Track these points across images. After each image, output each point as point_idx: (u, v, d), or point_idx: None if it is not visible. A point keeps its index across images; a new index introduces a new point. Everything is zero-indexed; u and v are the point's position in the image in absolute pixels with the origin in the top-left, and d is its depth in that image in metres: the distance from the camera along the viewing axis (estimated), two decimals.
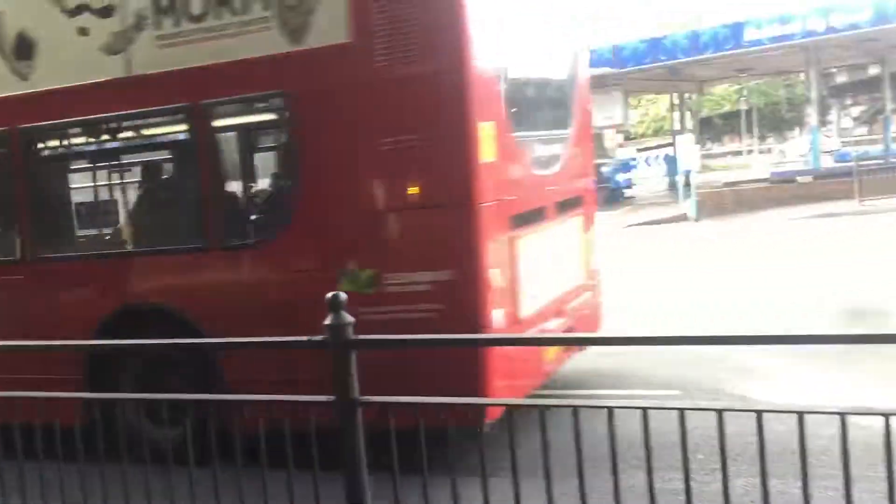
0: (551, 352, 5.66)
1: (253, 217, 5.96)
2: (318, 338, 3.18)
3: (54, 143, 6.52)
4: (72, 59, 5.91)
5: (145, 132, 6.34)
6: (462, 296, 4.94)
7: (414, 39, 4.94)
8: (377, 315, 4.69)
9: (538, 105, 6.48)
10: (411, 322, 4.84)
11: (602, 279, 7.04)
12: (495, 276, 5.01)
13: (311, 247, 5.36)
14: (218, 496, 3.40)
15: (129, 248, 6.37)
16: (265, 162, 6.25)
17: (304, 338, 3.30)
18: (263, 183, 6.30)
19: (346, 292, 3.18)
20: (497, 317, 4.98)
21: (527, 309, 5.36)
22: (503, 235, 5.20)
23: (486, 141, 4.97)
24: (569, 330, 5.91)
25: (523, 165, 5.72)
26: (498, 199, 5.11)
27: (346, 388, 3.16)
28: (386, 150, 5.07)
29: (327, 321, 3.13)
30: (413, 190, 5.01)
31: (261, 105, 5.85)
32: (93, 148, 6.37)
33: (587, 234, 6.81)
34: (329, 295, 3.13)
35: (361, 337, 3.19)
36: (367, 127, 5.12)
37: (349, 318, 3.12)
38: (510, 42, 5.66)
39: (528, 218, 5.59)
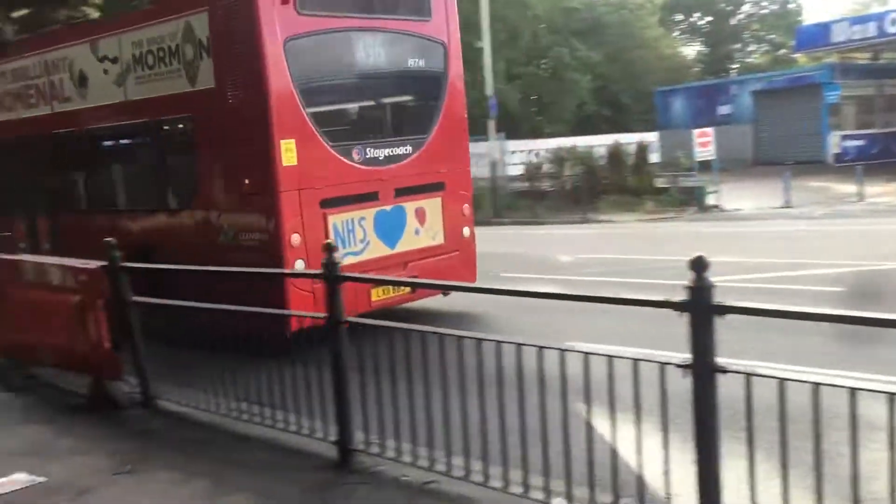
0: (381, 291, 8.61)
1: (179, 191, 9.29)
2: (679, 300, 3.36)
3: (98, 139, 10.47)
4: (101, 88, 9.85)
5: (133, 136, 9.99)
6: (273, 249, 7.97)
7: (241, 85, 8.22)
8: (236, 255, 8.06)
9: (364, 122, 9.27)
10: (251, 261, 7.72)
11: (476, 244, 9.79)
12: (294, 237, 7.97)
13: (204, 212, 8.78)
14: None
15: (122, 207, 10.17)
16: (187, 157, 9.19)
17: (664, 298, 3.48)
18: (185, 170, 9.28)
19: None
20: (298, 264, 7.92)
21: (345, 257, 7.71)
22: (312, 210, 8.09)
23: (287, 152, 7.94)
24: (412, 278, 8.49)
25: (336, 165, 8.36)
26: (299, 189, 7.99)
27: (706, 352, 3.29)
28: (235, 155, 8.37)
29: (689, 283, 3.32)
30: (247, 182, 8.29)
31: (182, 122, 9.16)
32: (109, 143, 10.54)
33: (450, 210, 9.44)
34: (693, 258, 3.33)
35: (724, 303, 3.31)
36: (226, 139, 8.41)
37: (710, 282, 3.31)
38: (325, 83, 8.68)
39: (345, 201, 8.40)
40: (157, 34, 8.87)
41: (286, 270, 7.91)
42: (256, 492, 4.70)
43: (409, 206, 9.06)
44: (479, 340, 4.35)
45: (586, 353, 3.90)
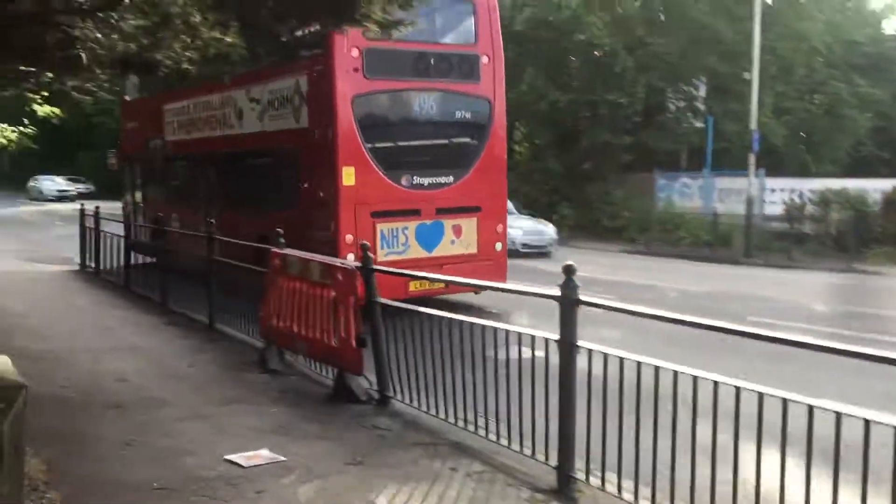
0: (417, 284, 10.44)
1: (290, 195, 11.99)
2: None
3: (246, 155, 13.58)
4: (250, 120, 13.23)
5: (265, 155, 12.99)
6: (334, 243, 10.77)
7: (321, 126, 11.26)
8: (318, 246, 9.98)
9: (414, 158, 11.92)
10: (324, 252, 9.16)
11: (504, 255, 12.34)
12: (348, 237, 10.82)
13: (302, 212, 11.53)
14: None
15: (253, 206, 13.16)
16: (294, 173, 12.02)
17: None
18: (293, 181, 12.03)
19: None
20: (349, 257, 9.91)
21: (382, 257, 10.56)
22: (364, 219, 10.97)
23: (347, 175, 10.89)
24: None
25: (387, 187, 11.21)
26: (355, 203, 10.92)
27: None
28: (318, 175, 11.41)
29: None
30: (321, 194, 11.31)
31: (292, 149, 11.99)
32: (252, 159, 13.52)
33: (484, 228, 12.00)
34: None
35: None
36: (314, 163, 11.52)
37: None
38: (383, 127, 11.79)
39: (393, 214, 11.27)
40: (281, 86, 12.11)
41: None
42: (469, 501, 4.78)
43: (448, 222, 11.81)
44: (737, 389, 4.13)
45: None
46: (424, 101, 11.68)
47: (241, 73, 12.02)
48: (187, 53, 8.31)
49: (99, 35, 6.91)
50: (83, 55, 6.61)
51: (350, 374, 7.03)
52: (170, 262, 12.19)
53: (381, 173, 11.22)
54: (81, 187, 48.99)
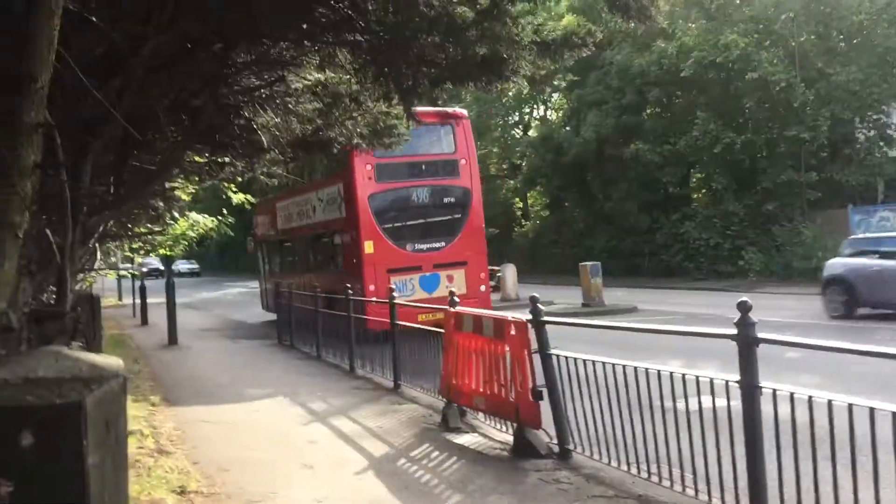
0: (423, 315, 12.45)
1: (336, 261, 18.07)
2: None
3: (317, 236, 19.36)
4: (318, 212, 18.74)
5: (324, 236, 18.87)
6: (362, 293, 15.23)
7: (349, 215, 16.69)
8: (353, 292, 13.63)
9: (414, 232, 16.75)
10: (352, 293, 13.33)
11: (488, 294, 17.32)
12: (371, 286, 15.63)
13: (344, 273, 17.17)
14: None
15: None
16: (338, 246, 18.46)
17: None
18: (338, 251, 18.18)
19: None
20: (372, 296, 14.90)
21: (399, 297, 11.95)
22: (382, 274, 15.74)
23: (368, 246, 16.06)
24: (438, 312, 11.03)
25: (396, 252, 16.15)
26: (374, 264, 15.96)
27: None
28: (350, 247, 16.98)
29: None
30: (354, 260, 16.54)
31: (336, 230, 18.00)
32: (318, 239, 19.44)
33: (470, 276, 16.67)
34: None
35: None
36: (347, 240, 17.14)
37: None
38: (391, 212, 16.60)
39: (402, 269, 16.05)
40: (330, 189, 17.70)
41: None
42: None
43: (442, 273, 16.50)
44: None
45: None
46: (420, 193, 16.90)
47: (316, 181, 18.55)
48: (358, 129, 8.83)
49: (277, 119, 7.48)
50: (263, 139, 7.17)
51: (529, 429, 7.00)
52: (287, 315, 16.71)
53: (391, 243, 16.36)
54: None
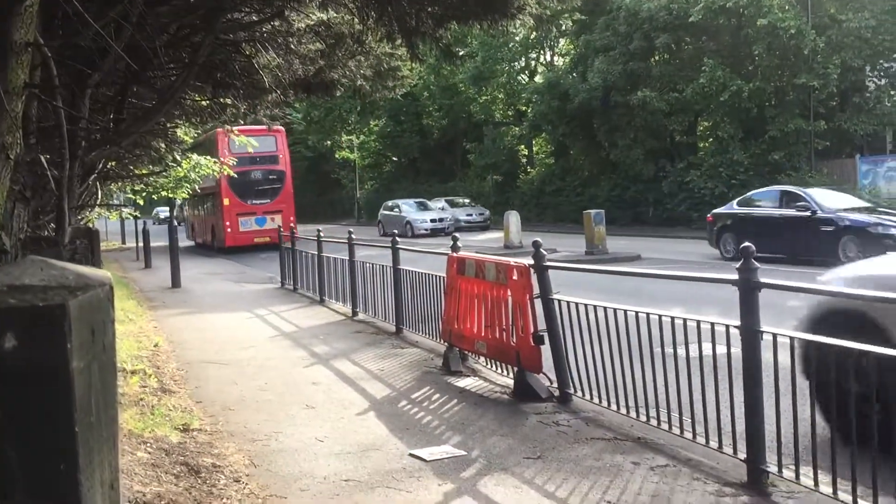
0: (258, 238, 28.99)
1: (215, 212, 31.76)
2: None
3: (208, 195, 31.66)
4: (207, 182, 23.85)
5: (210, 195, 31.13)
6: (220, 231, 30.30)
7: (218, 185, 28.61)
8: (218, 232, 30.61)
9: (253, 192, 29.35)
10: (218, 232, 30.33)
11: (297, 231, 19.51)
12: (228, 223, 29.27)
13: (217, 217, 31.54)
14: None
15: None
16: (216, 204, 31.34)
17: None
18: (216, 208, 31.91)
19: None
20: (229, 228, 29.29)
21: (240, 229, 29.20)
22: (234, 216, 29.17)
23: (226, 201, 29.11)
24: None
25: (242, 205, 29.14)
26: (232, 211, 29.17)
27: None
28: (218, 202, 29.89)
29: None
30: (220, 208, 29.70)
31: (215, 194, 30.91)
32: (210, 196, 32.75)
33: (285, 218, 28.00)
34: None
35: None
36: (218, 199, 30.04)
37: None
38: (240, 184, 27.76)
39: (246, 212, 29.25)
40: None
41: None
42: (652, 494, 4.64)
43: (268, 216, 28.97)
44: None
45: None
46: (256, 174, 28.71)
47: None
48: (362, 71, 8.71)
49: (279, 59, 7.37)
50: (266, 79, 7.08)
51: (530, 373, 7.04)
52: (195, 240, 33.75)
53: (239, 200, 28.65)
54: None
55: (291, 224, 25.65)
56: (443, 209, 37.44)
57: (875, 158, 27.76)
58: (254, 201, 28.92)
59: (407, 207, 37.09)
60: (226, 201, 28.72)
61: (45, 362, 1.58)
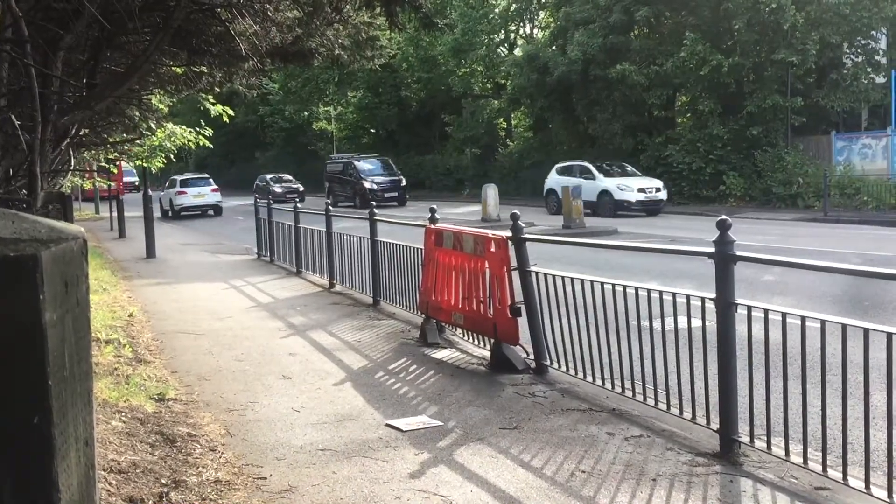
0: None
1: None
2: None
3: None
4: None
5: None
6: None
7: None
8: None
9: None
10: None
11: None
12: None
13: None
14: None
15: None
16: None
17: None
18: None
19: None
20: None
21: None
22: None
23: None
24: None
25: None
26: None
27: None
28: None
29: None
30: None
31: None
32: None
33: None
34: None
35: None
36: None
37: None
38: None
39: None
40: None
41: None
42: (626, 464, 4.69)
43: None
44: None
45: None
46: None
47: None
48: (340, 40, 8.59)
49: (256, 27, 7.25)
50: (242, 47, 6.96)
51: (507, 345, 7.06)
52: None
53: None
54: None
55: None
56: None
57: (850, 135, 27.97)
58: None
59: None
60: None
61: (16, 314, 1.55)
